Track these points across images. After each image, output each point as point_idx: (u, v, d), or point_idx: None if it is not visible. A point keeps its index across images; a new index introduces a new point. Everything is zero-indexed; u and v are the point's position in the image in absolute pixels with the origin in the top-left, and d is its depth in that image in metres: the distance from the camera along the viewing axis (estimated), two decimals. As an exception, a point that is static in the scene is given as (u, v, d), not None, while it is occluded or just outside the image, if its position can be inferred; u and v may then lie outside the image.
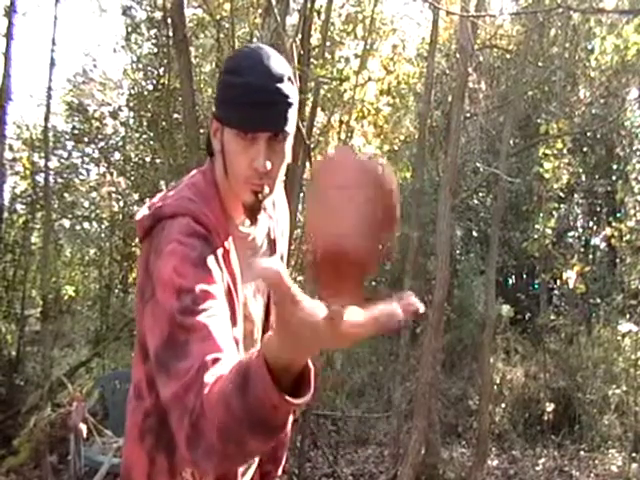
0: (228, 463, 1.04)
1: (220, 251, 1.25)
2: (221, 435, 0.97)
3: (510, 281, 9.94)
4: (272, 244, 1.45)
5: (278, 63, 1.25)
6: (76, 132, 8.02)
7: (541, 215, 6.07)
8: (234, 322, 1.25)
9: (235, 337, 1.24)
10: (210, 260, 1.20)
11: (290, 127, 1.27)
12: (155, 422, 1.29)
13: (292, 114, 1.26)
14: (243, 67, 1.24)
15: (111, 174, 8.41)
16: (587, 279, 6.88)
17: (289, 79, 1.25)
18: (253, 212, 1.30)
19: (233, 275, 1.28)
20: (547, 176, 5.81)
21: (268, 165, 1.24)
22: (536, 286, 9.11)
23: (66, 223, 8.81)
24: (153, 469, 1.30)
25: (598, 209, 9.60)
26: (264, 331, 1.44)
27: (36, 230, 7.29)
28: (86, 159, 8.24)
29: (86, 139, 8.00)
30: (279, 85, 1.23)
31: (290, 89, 1.25)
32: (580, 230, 10.00)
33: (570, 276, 5.89)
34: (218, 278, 1.21)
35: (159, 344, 1.14)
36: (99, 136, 8.06)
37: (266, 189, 1.27)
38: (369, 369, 7.77)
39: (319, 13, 6.06)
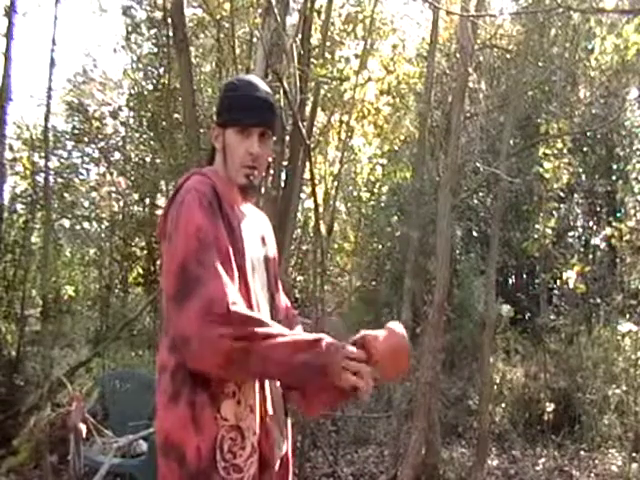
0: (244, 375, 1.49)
1: (223, 205, 1.59)
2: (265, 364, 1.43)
3: (510, 281, 9.94)
4: (262, 238, 1.79)
5: (263, 84, 1.73)
6: (76, 132, 8.02)
7: (541, 215, 6.07)
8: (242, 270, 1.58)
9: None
10: (216, 212, 1.55)
11: (273, 130, 1.70)
12: (183, 374, 1.50)
13: (275, 122, 1.71)
14: (239, 86, 1.70)
15: (111, 174, 8.41)
16: (587, 279, 6.88)
17: (271, 96, 1.72)
18: (246, 192, 1.69)
19: (233, 229, 1.60)
20: (547, 176, 5.81)
21: (259, 150, 1.66)
22: (536, 286, 9.11)
23: (66, 223, 8.82)
24: (195, 410, 1.48)
25: (598, 209, 9.60)
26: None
27: (36, 230, 7.28)
28: (86, 159, 8.25)
29: (86, 139, 8.01)
30: (266, 97, 1.69)
31: (274, 102, 1.71)
32: (580, 230, 10.00)
33: (570, 276, 5.89)
34: (224, 232, 1.54)
35: (189, 254, 1.46)
36: (99, 136, 8.06)
37: (255, 173, 1.68)
38: (369, 369, 7.74)
39: (319, 13, 6.06)
